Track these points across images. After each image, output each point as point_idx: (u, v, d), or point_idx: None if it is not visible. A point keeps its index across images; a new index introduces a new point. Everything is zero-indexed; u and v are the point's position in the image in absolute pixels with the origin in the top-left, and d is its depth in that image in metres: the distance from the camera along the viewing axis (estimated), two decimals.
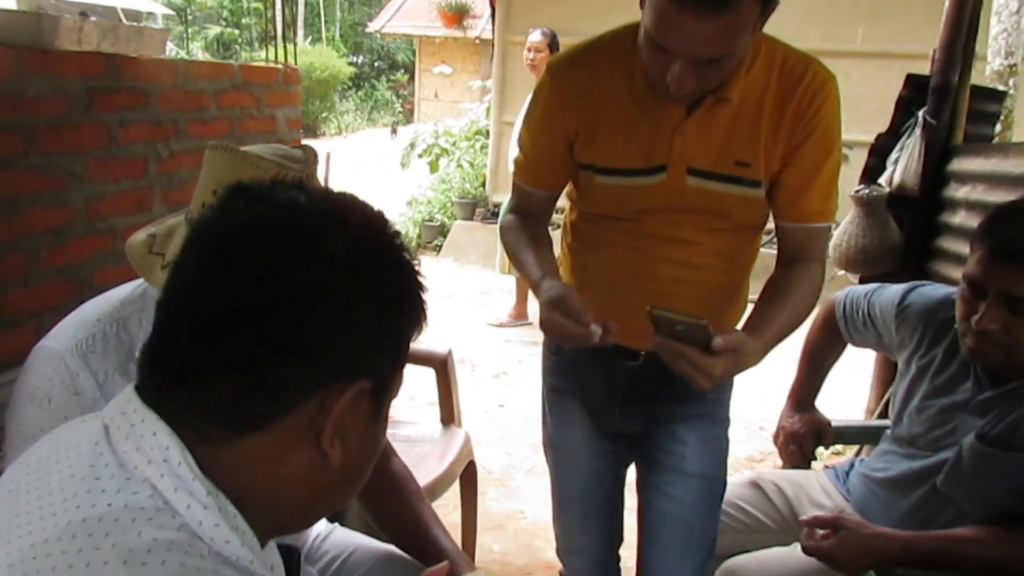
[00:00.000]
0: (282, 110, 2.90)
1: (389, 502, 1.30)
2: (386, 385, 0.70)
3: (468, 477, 2.31)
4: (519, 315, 5.37)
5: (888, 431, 1.67)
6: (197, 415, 0.63)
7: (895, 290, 1.66)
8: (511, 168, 1.54)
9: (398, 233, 0.71)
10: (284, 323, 0.62)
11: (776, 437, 1.85)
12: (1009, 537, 1.35)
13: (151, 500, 0.60)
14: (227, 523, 0.62)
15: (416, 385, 3.84)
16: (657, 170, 1.27)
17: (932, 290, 1.61)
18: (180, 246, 0.67)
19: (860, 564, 1.40)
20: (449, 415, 2.38)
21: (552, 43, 4.89)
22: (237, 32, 21.87)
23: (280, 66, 2.99)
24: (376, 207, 0.72)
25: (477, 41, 15.39)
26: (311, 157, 1.12)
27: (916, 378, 1.56)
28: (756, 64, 1.24)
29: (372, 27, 18.64)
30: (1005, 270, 1.31)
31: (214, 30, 21.67)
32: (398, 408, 3.79)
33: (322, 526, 1.39)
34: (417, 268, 0.72)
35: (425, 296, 0.72)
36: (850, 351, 1.83)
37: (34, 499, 0.62)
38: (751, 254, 1.44)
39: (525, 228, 1.43)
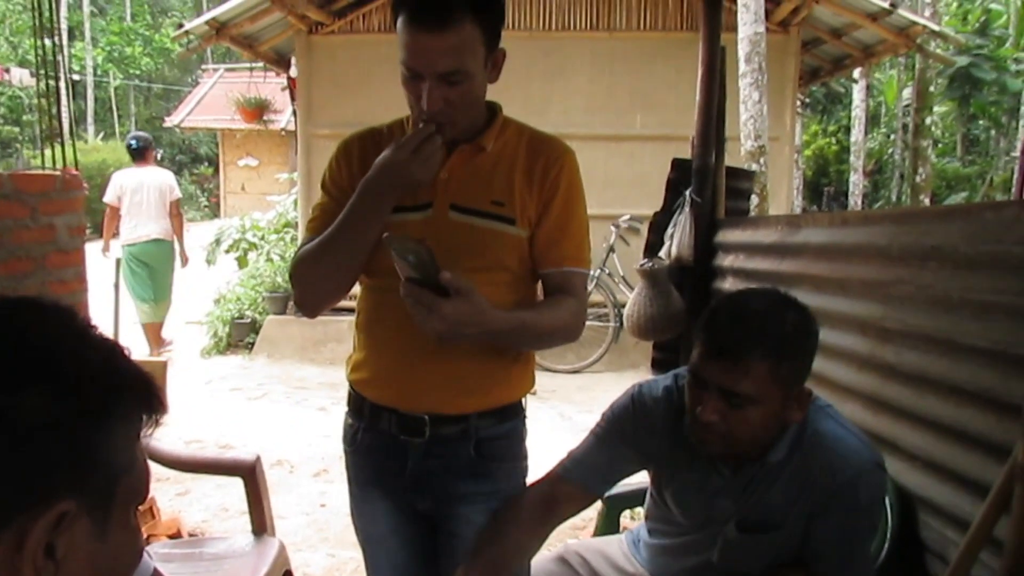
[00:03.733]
0: (62, 218, 2.74)
1: None
2: (105, 497, 0.60)
3: None
4: (160, 341, 6.45)
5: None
6: None
7: (614, 413, 1.59)
8: None
9: (66, 314, 0.62)
10: None
11: None
12: None
13: None
14: None
15: (229, 495, 3.64)
16: (424, 207, 1.44)
17: (648, 389, 1.59)
18: None
19: None
20: (261, 525, 2.27)
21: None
22: (17, 130, 20.35)
23: (58, 172, 2.84)
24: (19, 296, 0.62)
25: (283, 133, 15.26)
26: None
27: (663, 473, 1.59)
28: (508, 130, 1.49)
29: (170, 122, 17.98)
30: (720, 366, 1.34)
31: None
32: (209, 522, 3.55)
33: None
34: (107, 348, 0.63)
35: (136, 379, 0.63)
36: None
37: None
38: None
39: None
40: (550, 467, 1.60)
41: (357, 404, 1.56)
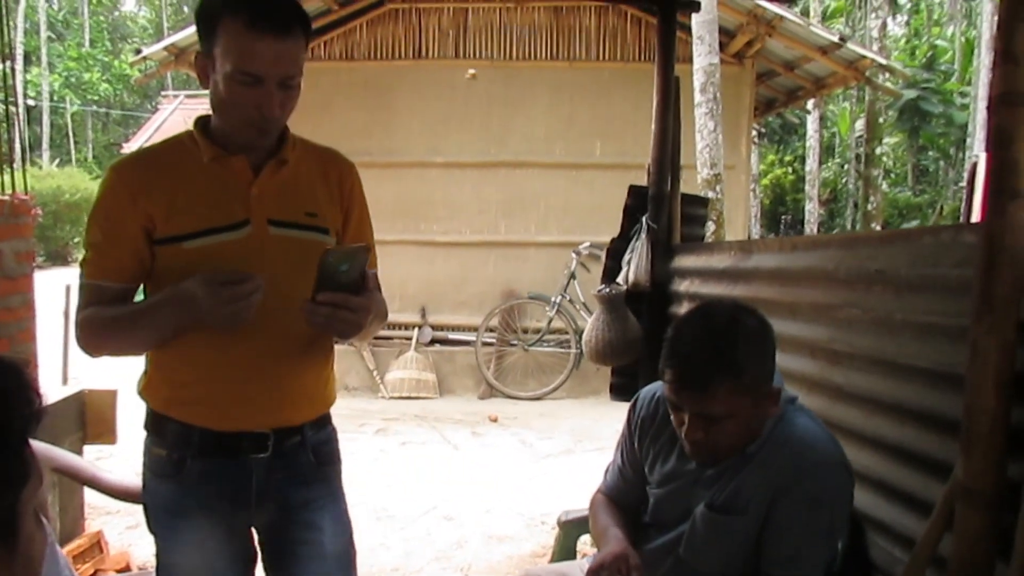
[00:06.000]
0: (9, 243, 2.69)
1: None
2: (10, 518, 0.61)
3: None
4: None
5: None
6: None
7: (622, 431, 1.77)
8: None
9: None
10: None
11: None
12: None
13: None
14: None
15: None
16: (242, 224, 1.44)
17: (646, 393, 1.74)
18: None
19: None
20: None
21: None
22: None
23: (7, 197, 2.78)
24: None
25: None
26: None
27: (652, 466, 1.70)
28: (298, 145, 1.53)
29: (128, 148, 17.77)
30: (689, 396, 1.45)
31: None
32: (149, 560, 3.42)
33: None
34: None
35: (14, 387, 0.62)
36: None
37: None
38: None
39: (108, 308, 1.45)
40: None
41: (182, 433, 1.47)
